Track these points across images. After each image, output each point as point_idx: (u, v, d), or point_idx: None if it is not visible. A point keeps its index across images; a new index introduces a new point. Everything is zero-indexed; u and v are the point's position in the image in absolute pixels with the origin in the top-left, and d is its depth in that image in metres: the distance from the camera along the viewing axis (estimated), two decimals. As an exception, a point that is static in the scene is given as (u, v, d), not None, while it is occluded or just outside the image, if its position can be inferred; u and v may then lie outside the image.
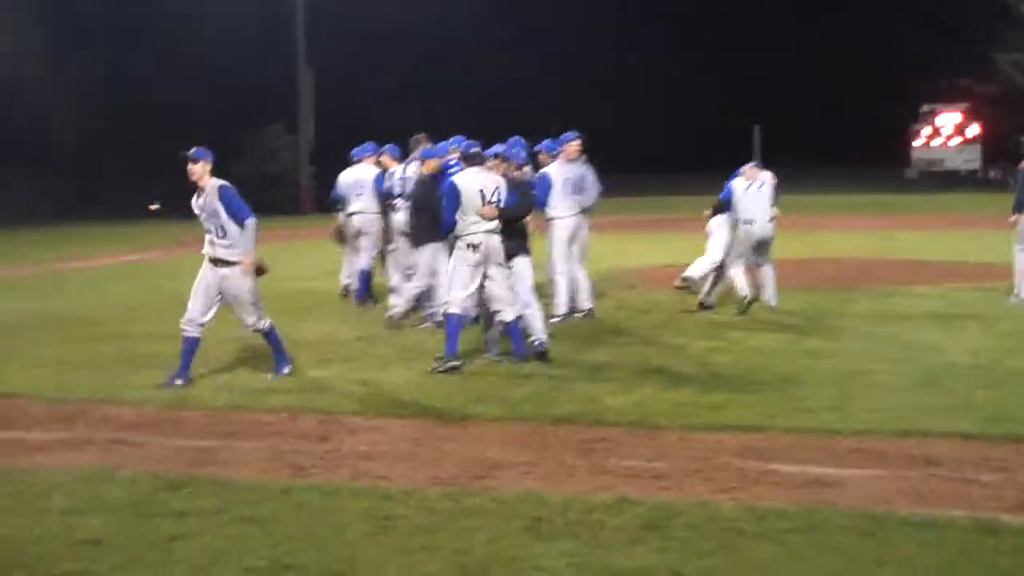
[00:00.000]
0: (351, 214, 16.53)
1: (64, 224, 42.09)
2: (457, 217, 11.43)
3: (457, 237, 11.51)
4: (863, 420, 8.89)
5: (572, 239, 14.44)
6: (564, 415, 9.23)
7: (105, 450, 8.39)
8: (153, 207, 52.24)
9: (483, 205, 11.39)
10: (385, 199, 15.43)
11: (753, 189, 15.25)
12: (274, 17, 51.65)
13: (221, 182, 10.79)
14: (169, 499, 7.04)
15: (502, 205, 11.55)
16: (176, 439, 8.76)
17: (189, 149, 10.70)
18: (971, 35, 69.82)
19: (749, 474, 7.57)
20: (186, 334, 10.95)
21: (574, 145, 14.37)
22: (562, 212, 14.27)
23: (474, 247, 11.41)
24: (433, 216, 12.21)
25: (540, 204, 13.89)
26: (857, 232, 30.91)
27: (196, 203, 10.90)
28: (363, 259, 16.47)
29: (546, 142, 14.59)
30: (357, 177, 16.47)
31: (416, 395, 10.19)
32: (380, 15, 57.62)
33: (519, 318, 11.64)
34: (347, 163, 16.92)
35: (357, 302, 16.40)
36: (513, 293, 11.69)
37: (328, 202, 17.97)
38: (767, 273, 15.44)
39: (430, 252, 13.42)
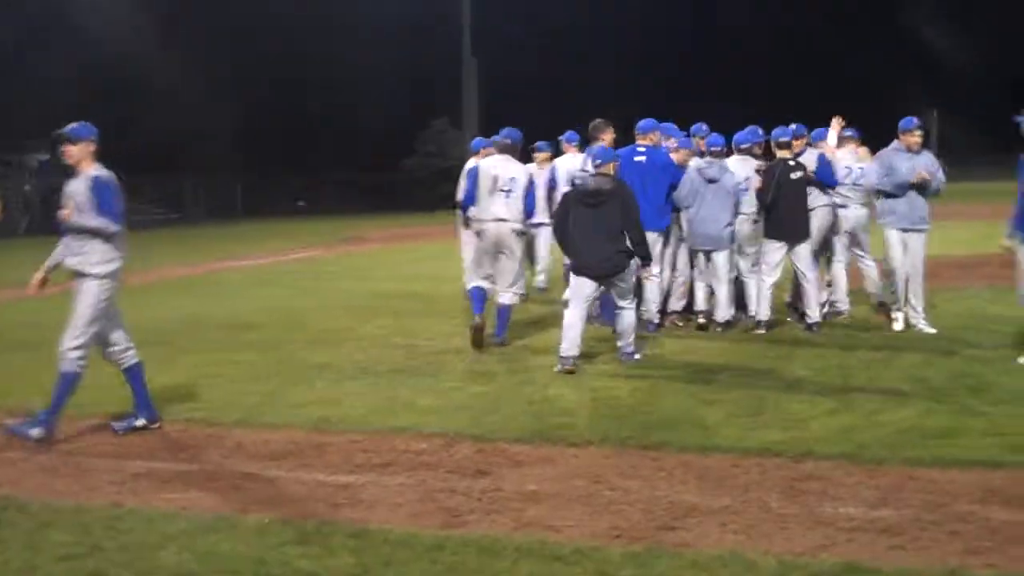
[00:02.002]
0: None
1: (226, 223, 42.09)
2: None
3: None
4: None
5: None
6: (766, 445, 7.84)
7: (233, 487, 7.29)
8: (300, 203, 52.21)
9: (494, 192, 12.16)
10: None
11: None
12: (440, 6, 50.95)
13: (98, 172, 8.65)
14: (298, 556, 5.88)
15: (512, 195, 12.18)
16: (317, 472, 7.62)
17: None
18: None
19: (1001, 528, 6.11)
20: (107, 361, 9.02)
21: (915, 136, 12.41)
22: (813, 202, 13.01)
23: (479, 234, 12.39)
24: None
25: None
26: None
27: (66, 191, 8.74)
28: None
29: (796, 127, 13.24)
30: None
31: (593, 417, 8.92)
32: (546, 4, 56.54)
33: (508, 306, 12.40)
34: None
35: None
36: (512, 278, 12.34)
37: None
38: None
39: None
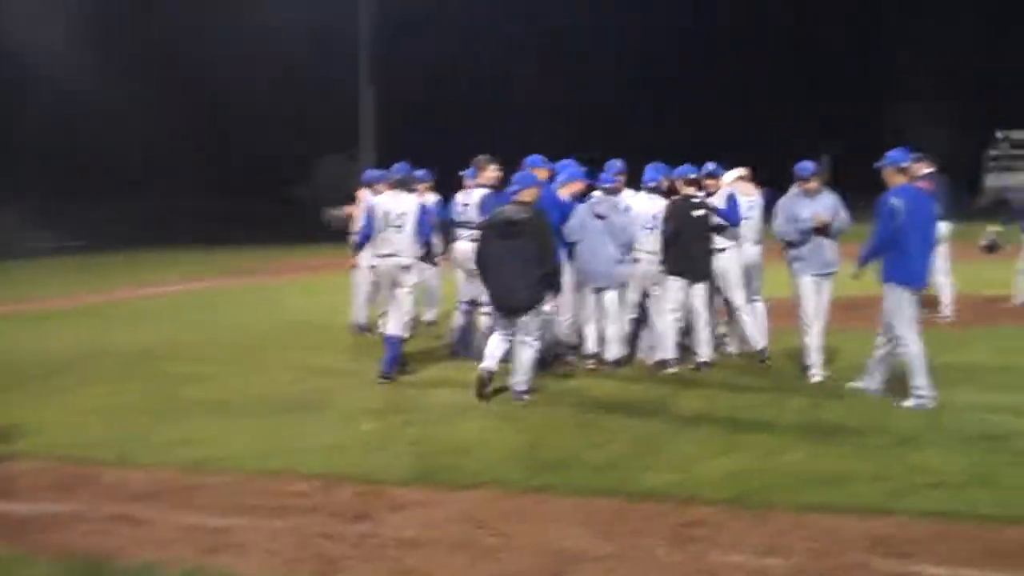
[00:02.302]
0: None
1: (126, 250, 41.16)
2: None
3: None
4: (1020, 501, 7.29)
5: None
6: (653, 488, 7.72)
7: (101, 531, 6.98)
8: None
9: (386, 228, 12.19)
10: None
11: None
12: (337, 32, 50.45)
13: None
14: (162, 609, 5.63)
15: (404, 230, 12.16)
16: (190, 515, 7.34)
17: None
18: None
19: (890, 579, 6.04)
20: None
21: (810, 183, 12.04)
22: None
23: (375, 271, 12.59)
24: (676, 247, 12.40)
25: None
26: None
27: None
28: None
29: (714, 166, 13.14)
30: None
31: (478, 458, 8.70)
32: (449, 32, 56.19)
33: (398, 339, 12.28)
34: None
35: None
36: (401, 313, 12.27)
37: None
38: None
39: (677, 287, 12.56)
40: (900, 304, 10.42)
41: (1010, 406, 10.34)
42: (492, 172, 13.21)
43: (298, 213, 50.26)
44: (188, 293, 25.13)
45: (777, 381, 11.86)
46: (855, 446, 8.89)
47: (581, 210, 12.52)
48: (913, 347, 10.41)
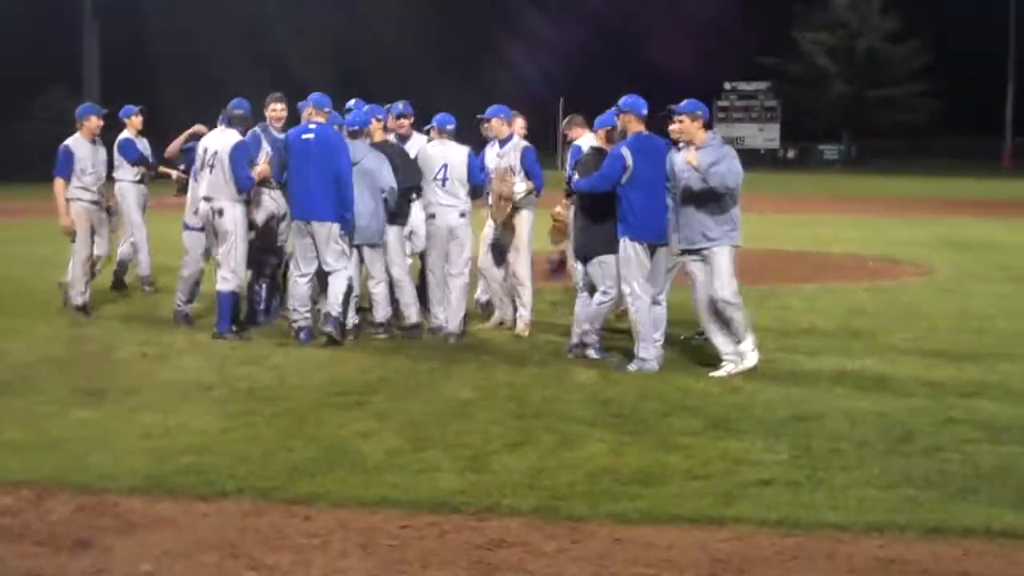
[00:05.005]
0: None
1: None
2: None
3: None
4: (862, 504, 6.30)
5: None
6: (443, 496, 6.39)
7: None
8: None
9: (202, 168, 11.28)
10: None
11: None
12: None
13: None
14: None
15: (216, 171, 11.13)
16: None
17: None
18: (774, 12, 69.90)
19: (742, 618, 4.95)
20: None
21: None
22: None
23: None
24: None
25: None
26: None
27: None
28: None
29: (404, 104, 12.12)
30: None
31: (223, 456, 7.15)
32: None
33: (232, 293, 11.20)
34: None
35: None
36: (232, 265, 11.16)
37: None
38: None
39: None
40: (627, 257, 9.92)
41: (807, 373, 9.76)
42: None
43: (19, 149, 46.83)
44: None
45: (554, 351, 10.74)
46: (661, 432, 7.84)
47: None
48: (639, 303, 9.90)
